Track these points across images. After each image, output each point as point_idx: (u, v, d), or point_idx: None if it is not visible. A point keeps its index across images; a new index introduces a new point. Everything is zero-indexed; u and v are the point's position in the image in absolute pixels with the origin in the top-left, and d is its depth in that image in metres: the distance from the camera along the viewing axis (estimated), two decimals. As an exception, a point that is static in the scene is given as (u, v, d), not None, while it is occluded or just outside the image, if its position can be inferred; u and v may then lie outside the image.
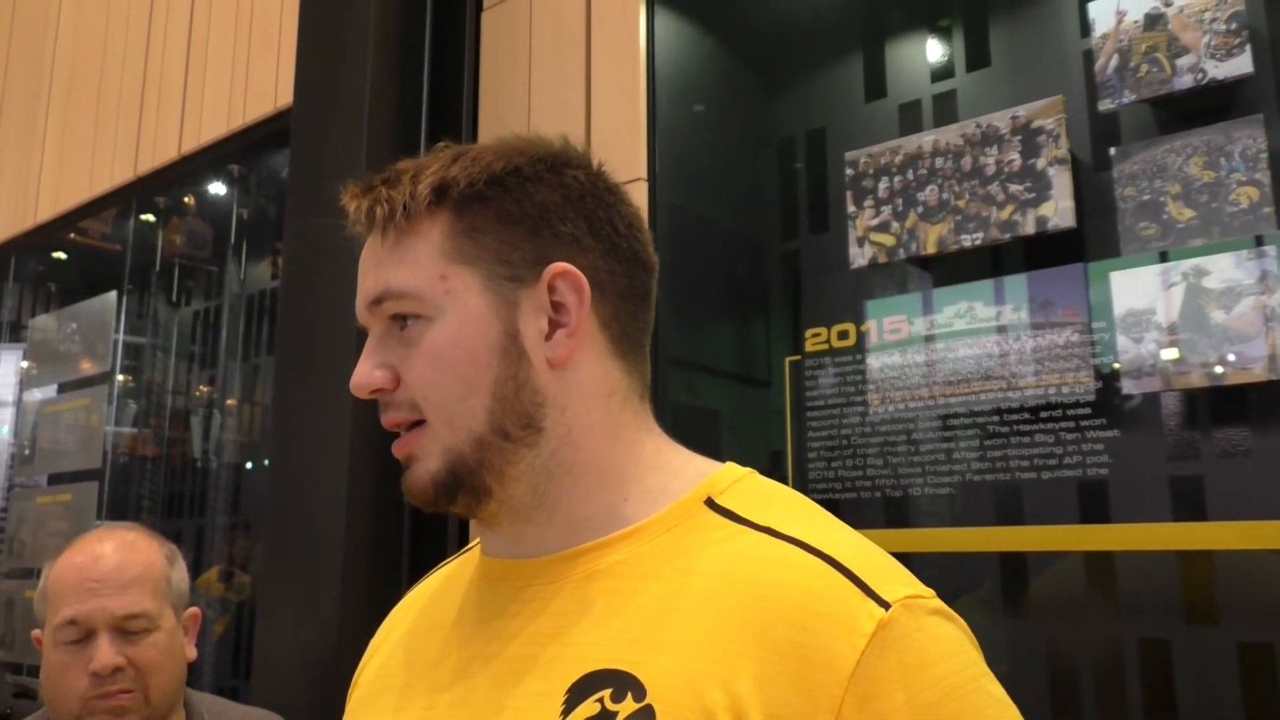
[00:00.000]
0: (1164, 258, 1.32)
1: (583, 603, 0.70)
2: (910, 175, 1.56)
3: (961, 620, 0.66)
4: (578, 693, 0.65)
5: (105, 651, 1.34)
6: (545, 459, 0.72)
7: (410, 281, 0.72)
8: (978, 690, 0.62)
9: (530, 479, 0.72)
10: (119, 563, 1.39)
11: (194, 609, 1.49)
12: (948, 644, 0.62)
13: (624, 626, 0.67)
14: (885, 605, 0.61)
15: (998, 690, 0.64)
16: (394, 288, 0.72)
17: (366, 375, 0.73)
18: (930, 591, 0.65)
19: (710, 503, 0.72)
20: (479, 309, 0.71)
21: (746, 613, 0.63)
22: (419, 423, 0.72)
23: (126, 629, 1.37)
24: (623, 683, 0.63)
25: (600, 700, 0.63)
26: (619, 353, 0.76)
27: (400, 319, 0.73)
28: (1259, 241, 1.25)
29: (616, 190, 0.78)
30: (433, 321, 0.71)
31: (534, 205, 0.73)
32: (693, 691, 0.61)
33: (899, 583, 0.64)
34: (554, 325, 0.73)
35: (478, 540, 0.82)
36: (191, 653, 1.46)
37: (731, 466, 0.76)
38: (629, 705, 0.62)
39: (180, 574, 1.47)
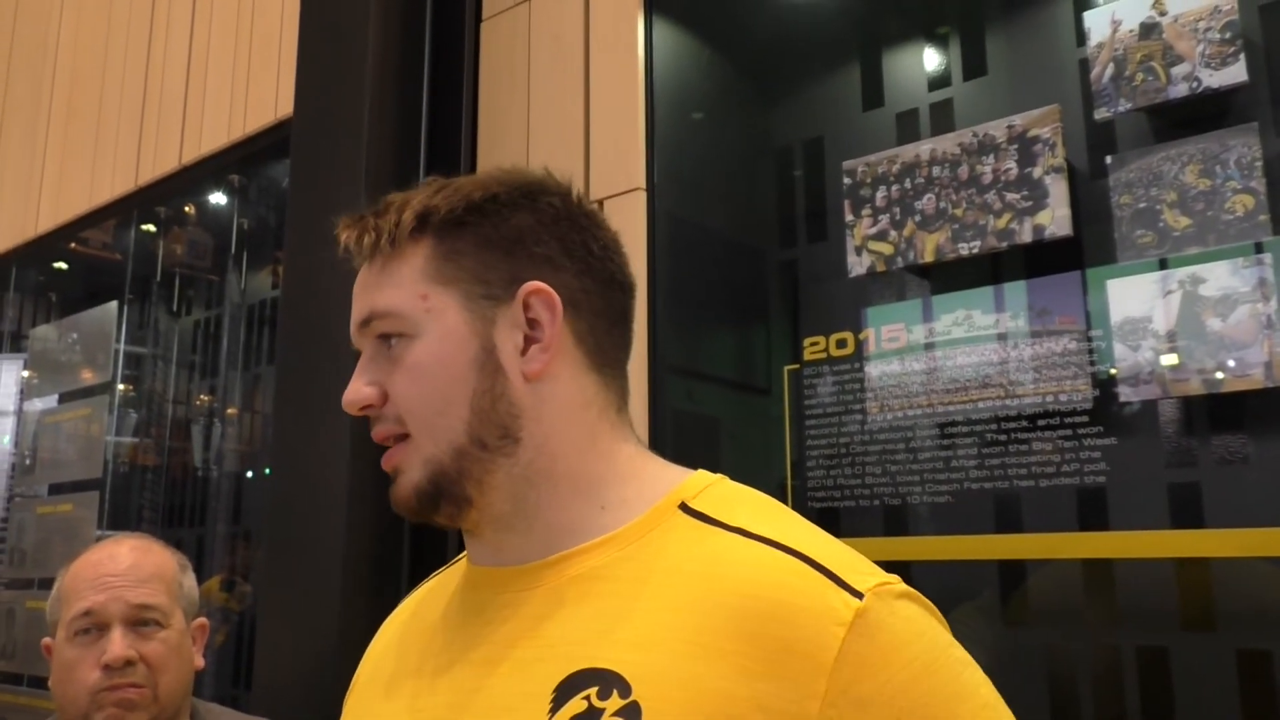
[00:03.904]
0: (1163, 265, 1.33)
1: (561, 605, 0.72)
2: (908, 184, 1.57)
3: (924, 598, 0.69)
4: (564, 691, 0.67)
5: (117, 643, 1.36)
6: (523, 468, 0.75)
7: (394, 302, 0.76)
8: (947, 663, 0.66)
9: (509, 487, 0.75)
10: (134, 561, 1.43)
11: (202, 619, 1.51)
12: (917, 624, 0.67)
13: (606, 627, 0.69)
14: (859, 595, 0.65)
15: (962, 654, 0.68)
16: (379, 308, 0.76)
17: (356, 392, 0.77)
18: (895, 577, 0.68)
19: (684, 507, 0.75)
20: (457, 326, 0.75)
21: (727, 610, 0.66)
22: (404, 436, 0.76)
23: (139, 621, 1.39)
24: (608, 681, 0.66)
25: (587, 698, 0.66)
26: (595, 366, 0.79)
27: (386, 338, 0.77)
28: (1257, 249, 1.26)
29: (593, 215, 0.82)
30: (415, 339, 0.75)
31: (510, 229, 0.77)
32: (677, 686, 0.64)
33: (866, 573, 0.68)
34: (529, 341, 0.76)
35: (465, 553, 0.84)
36: (199, 662, 1.48)
37: (703, 473, 0.79)
38: (615, 701, 0.65)
39: (191, 582, 1.51)
